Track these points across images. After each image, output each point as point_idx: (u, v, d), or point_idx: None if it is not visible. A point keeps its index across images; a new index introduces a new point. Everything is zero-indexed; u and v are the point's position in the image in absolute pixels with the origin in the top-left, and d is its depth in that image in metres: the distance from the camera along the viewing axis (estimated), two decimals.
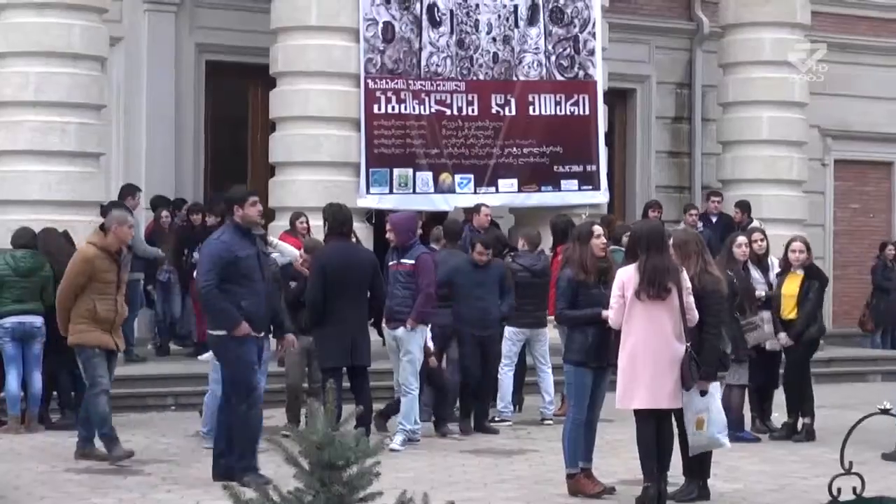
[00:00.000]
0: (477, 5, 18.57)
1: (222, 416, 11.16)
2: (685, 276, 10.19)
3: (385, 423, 13.60)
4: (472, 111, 18.56)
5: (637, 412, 10.22)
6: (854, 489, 7.85)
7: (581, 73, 19.22)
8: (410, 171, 18.11)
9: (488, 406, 14.50)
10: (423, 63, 18.26)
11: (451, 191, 18.35)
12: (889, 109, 24.59)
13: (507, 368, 14.80)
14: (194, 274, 14.74)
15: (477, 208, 16.90)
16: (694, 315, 10.13)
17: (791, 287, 13.90)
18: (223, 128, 20.50)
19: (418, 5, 18.16)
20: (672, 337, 10.04)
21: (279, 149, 18.27)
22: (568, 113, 19.14)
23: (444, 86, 18.39)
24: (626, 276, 10.13)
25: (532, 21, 18.92)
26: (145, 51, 19.38)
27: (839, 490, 7.79)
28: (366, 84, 17.87)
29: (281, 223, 17.13)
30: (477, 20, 18.58)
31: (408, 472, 11.30)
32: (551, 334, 14.72)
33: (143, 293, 17.63)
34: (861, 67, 24.33)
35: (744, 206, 20.31)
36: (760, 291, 13.96)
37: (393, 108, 18.01)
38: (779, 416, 14.27)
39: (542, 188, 18.97)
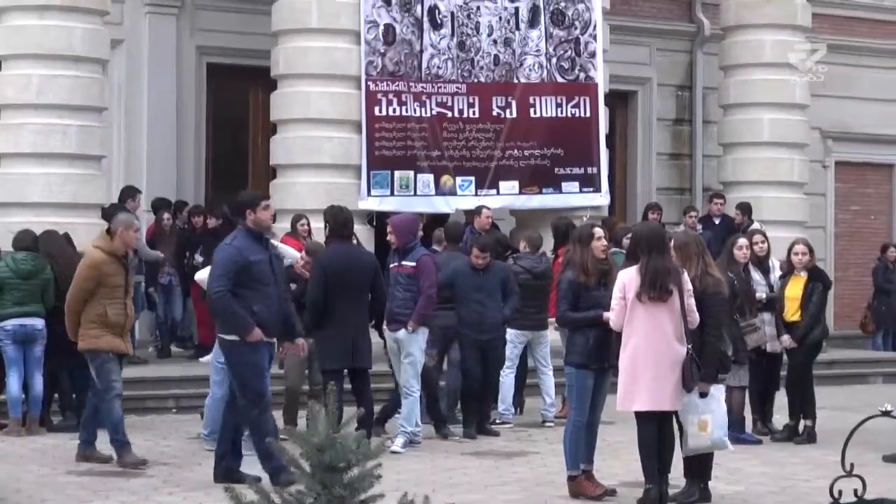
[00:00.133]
0: (478, 8, 18.58)
1: (228, 417, 11.13)
2: (686, 278, 10.19)
3: (383, 427, 13.59)
4: (473, 113, 18.57)
5: (638, 414, 10.22)
6: (855, 491, 7.86)
7: (582, 76, 19.22)
8: (411, 173, 18.11)
9: (489, 409, 14.49)
10: (424, 65, 18.26)
11: (453, 193, 18.35)
12: (890, 111, 24.58)
13: (509, 371, 14.79)
14: (195, 276, 14.75)
15: (478, 210, 16.90)
16: (695, 317, 10.13)
17: (794, 289, 13.90)
18: (224, 130, 20.50)
19: (419, 7, 18.17)
20: (673, 339, 10.05)
21: (280, 151, 18.27)
22: (569, 115, 19.14)
23: (445, 88, 18.39)
24: (628, 278, 10.13)
25: (533, 23, 18.92)
26: (146, 53, 19.38)
27: (840, 492, 7.80)
28: (367, 86, 17.87)
29: (282, 225, 17.11)
30: (478, 22, 18.58)
31: (409, 474, 11.30)
32: (552, 336, 14.72)
33: (145, 295, 17.63)
34: (862, 69, 24.34)
35: (744, 209, 20.31)
36: (761, 293, 13.96)
37: (394, 111, 18.01)
38: (780, 418, 14.27)
39: (543, 190, 18.96)
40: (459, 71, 18.48)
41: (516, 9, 18.82)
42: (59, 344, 13.81)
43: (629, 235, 14.72)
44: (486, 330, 14.13)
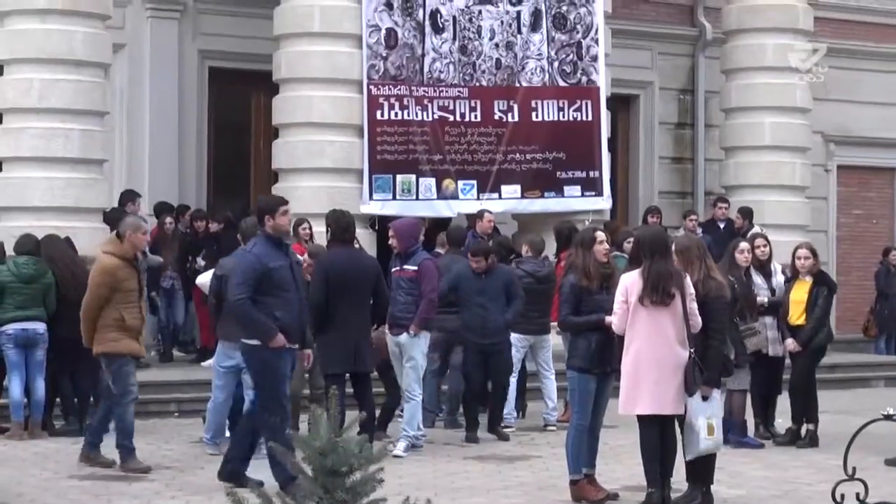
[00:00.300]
0: (480, 11, 18.59)
1: (247, 422, 11.03)
2: (689, 281, 10.19)
3: (385, 430, 13.58)
4: (475, 117, 18.58)
5: (640, 418, 10.21)
6: (857, 495, 7.86)
7: (584, 79, 19.23)
8: (413, 177, 18.12)
9: (501, 412, 14.44)
10: (425, 69, 18.27)
11: (455, 197, 18.36)
12: (892, 115, 24.60)
13: (510, 375, 14.78)
14: (196, 280, 14.76)
15: (480, 214, 16.90)
16: (697, 321, 10.13)
17: (799, 293, 13.89)
18: (226, 134, 20.52)
19: (421, 12, 18.18)
20: (675, 343, 10.04)
21: (282, 155, 18.28)
22: (571, 119, 19.15)
23: (446, 92, 18.41)
24: (630, 282, 10.13)
25: (535, 27, 18.93)
26: (148, 57, 19.40)
27: (842, 496, 7.79)
28: (369, 90, 17.88)
29: None
30: (480, 26, 18.59)
31: (411, 478, 11.29)
32: (554, 341, 14.71)
33: (147, 299, 17.61)
34: (864, 73, 24.35)
35: (745, 213, 20.33)
36: (763, 297, 13.96)
37: (396, 115, 18.02)
38: (782, 421, 14.26)
39: (545, 194, 18.97)
40: (461, 75, 18.49)
41: (518, 13, 18.83)
42: (61, 348, 13.83)
43: (630, 239, 14.78)
44: (488, 334, 14.11)
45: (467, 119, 18.52)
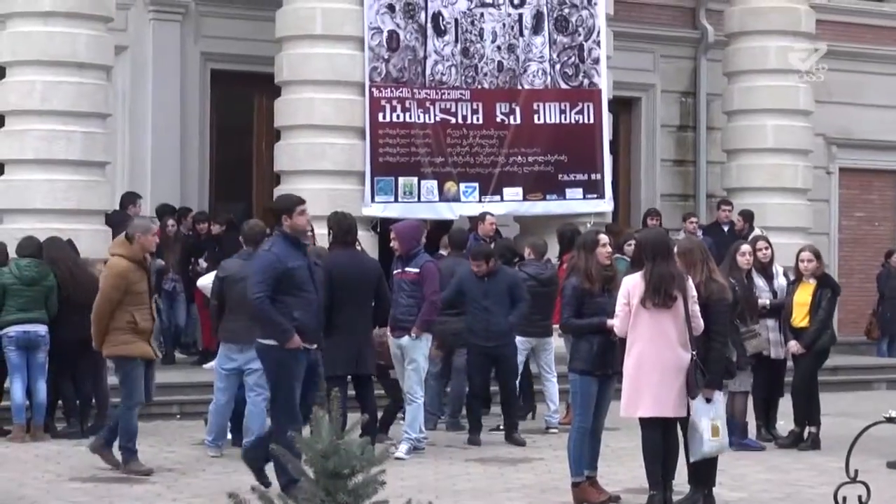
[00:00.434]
0: (482, 14, 18.59)
1: (266, 439, 10.86)
2: (691, 284, 10.18)
3: (387, 432, 13.59)
4: (477, 119, 18.58)
5: (642, 420, 10.21)
6: (859, 497, 7.86)
7: (586, 82, 19.23)
8: (415, 179, 18.12)
9: (515, 418, 14.39)
10: (427, 71, 18.27)
11: (456, 199, 18.36)
12: (894, 118, 24.59)
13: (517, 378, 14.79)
14: (197, 283, 14.76)
15: (482, 217, 16.91)
16: (699, 323, 10.12)
17: (803, 295, 13.89)
18: (228, 136, 20.52)
19: (423, 14, 18.18)
20: (677, 345, 10.04)
21: (284, 157, 18.28)
22: (572, 121, 19.15)
23: (448, 94, 18.40)
24: (632, 284, 10.13)
25: (537, 30, 18.93)
26: (150, 60, 19.40)
27: (845, 498, 7.80)
28: (370, 93, 17.89)
29: None
30: (482, 29, 18.59)
31: (413, 481, 11.30)
32: (556, 343, 14.70)
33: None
34: (866, 76, 24.35)
35: (746, 216, 20.33)
36: (765, 300, 13.96)
37: (398, 117, 18.02)
38: (784, 424, 14.25)
39: (547, 197, 18.97)
40: (463, 77, 18.49)
41: (520, 15, 18.83)
42: (63, 350, 13.83)
43: (630, 242, 14.78)
44: (492, 337, 14.10)
45: (469, 121, 18.52)
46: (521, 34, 18.85)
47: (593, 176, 19.23)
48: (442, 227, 17.71)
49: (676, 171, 23.36)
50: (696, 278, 10.33)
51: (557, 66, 19.06)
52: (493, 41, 18.65)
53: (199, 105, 19.83)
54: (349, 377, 12.91)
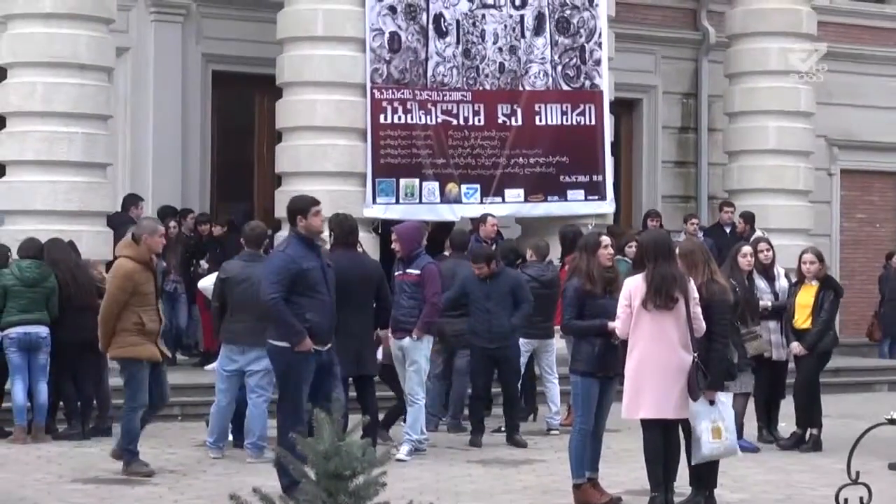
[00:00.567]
0: (483, 15, 18.59)
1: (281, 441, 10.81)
2: (692, 285, 10.18)
3: (387, 431, 13.59)
4: (479, 121, 18.58)
5: (643, 422, 10.21)
6: (861, 499, 7.86)
7: (587, 83, 19.23)
8: (417, 181, 18.12)
9: (517, 419, 14.40)
10: (429, 73, 18.27)
11: (458, 201, 18.35)
12: (895, 119, 24.57)
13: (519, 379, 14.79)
14: (198, 284, 14.75)
15: (483, 218, 16.91)
16: (701, 325, 10.12)
17: (806, 297, 13.89)
18: (229, 138, 20.52)
19: (424, 15, 18.18)
20: (679, 347, 10.03)
21: (285, 159, 18.27)
22: (574, 123, 19.15)
23: (450, 96, 18.40)
24: (634, 286, 10.12)
25: (538, 31, 18.93)
26: (152, 61, 19.40)
27: (846, 500, 7.80)
28: (372, 94, 17.88)
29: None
30: (483, 30, 18.59)
31: (414, 482, 11.30)
32: (558, 345, 14.70)
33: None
34: (867, 77, 24.34)
35: (747, 217, 20.31)
36: (766, 302, 13.96)
37: (399, 118, 18.02)
38: (786, 425, 14.25)
39: (549, 198, 18.97)
40: (465, 79, 18.49)
41: (521, 17, 18.83)
42: (64, 351, 13.84)
43: (632, 243, 14.77)
44: (494, 338, 14.10)
45: (471, 123, 18.52)
46: (523, 35, 18.85)
47: (595, 177, 19.23)
48: (443, 228, 17.70)
49: (678, 172, 23.35)
50: (698, 280, 10.33)
51: (559, 68, 19.06)
52: (494, 42, 18.65)
53: (201, 106, 19.82)
54: (350, 378, 12.92)
